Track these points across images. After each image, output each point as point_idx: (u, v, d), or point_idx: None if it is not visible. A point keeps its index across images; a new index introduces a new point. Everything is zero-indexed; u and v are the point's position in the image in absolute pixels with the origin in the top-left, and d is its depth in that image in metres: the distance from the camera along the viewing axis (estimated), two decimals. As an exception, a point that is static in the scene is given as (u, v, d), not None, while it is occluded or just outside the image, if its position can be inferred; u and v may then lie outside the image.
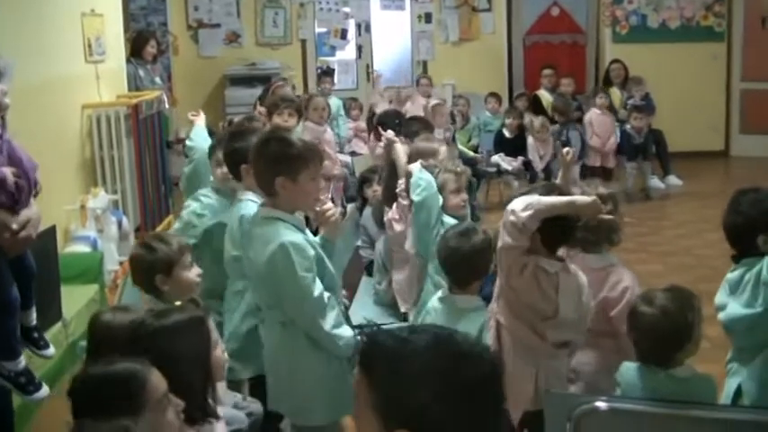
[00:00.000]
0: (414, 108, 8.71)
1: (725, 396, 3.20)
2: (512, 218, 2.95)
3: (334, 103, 9.15)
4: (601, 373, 3.35)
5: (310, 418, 3.30)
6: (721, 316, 3.19)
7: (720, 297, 3.23)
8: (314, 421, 3.29)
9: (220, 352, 2.92)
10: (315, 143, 3.51)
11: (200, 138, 4.91)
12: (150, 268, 3.33)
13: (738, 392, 3.18)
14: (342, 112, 9.53)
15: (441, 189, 4.38)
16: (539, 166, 8.84)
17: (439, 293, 3.64)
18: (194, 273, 3.43)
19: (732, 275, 3.18)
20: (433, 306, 3.60)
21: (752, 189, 3.25)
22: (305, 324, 3.17)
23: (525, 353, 3.15)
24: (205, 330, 2.78)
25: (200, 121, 5.16)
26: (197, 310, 2.98)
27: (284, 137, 3.28)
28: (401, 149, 4.83)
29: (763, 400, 3.10)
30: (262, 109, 6.41)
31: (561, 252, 3.19)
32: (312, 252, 3.16)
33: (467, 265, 3.48)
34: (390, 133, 5.10)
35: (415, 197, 4.33)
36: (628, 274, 3.50)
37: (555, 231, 3.03)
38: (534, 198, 2.99)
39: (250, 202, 3.65)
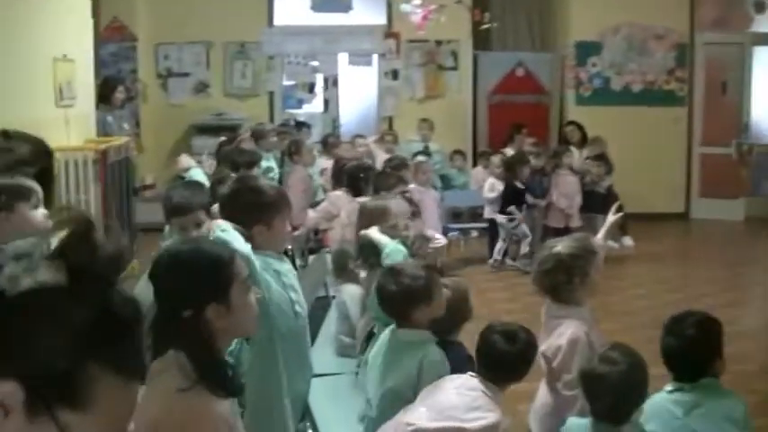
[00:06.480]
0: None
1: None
2: None
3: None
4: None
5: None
6: None
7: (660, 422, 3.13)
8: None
9: None
10: (282, 189, 3.56)
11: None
12: None
13: None
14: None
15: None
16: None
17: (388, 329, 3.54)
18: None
19: (682, 398, 3.13)
20: (382, 340, 3.52)
21: (684, 314, 3.29)
22: None
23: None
24: None
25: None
26: None
27: (255, 185, 3.34)
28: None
29: None
30: (212, 162, 6.36)
31: None
32: None
33: (399, 300, 3.37)
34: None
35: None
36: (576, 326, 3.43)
37: None
38: None
39: None
